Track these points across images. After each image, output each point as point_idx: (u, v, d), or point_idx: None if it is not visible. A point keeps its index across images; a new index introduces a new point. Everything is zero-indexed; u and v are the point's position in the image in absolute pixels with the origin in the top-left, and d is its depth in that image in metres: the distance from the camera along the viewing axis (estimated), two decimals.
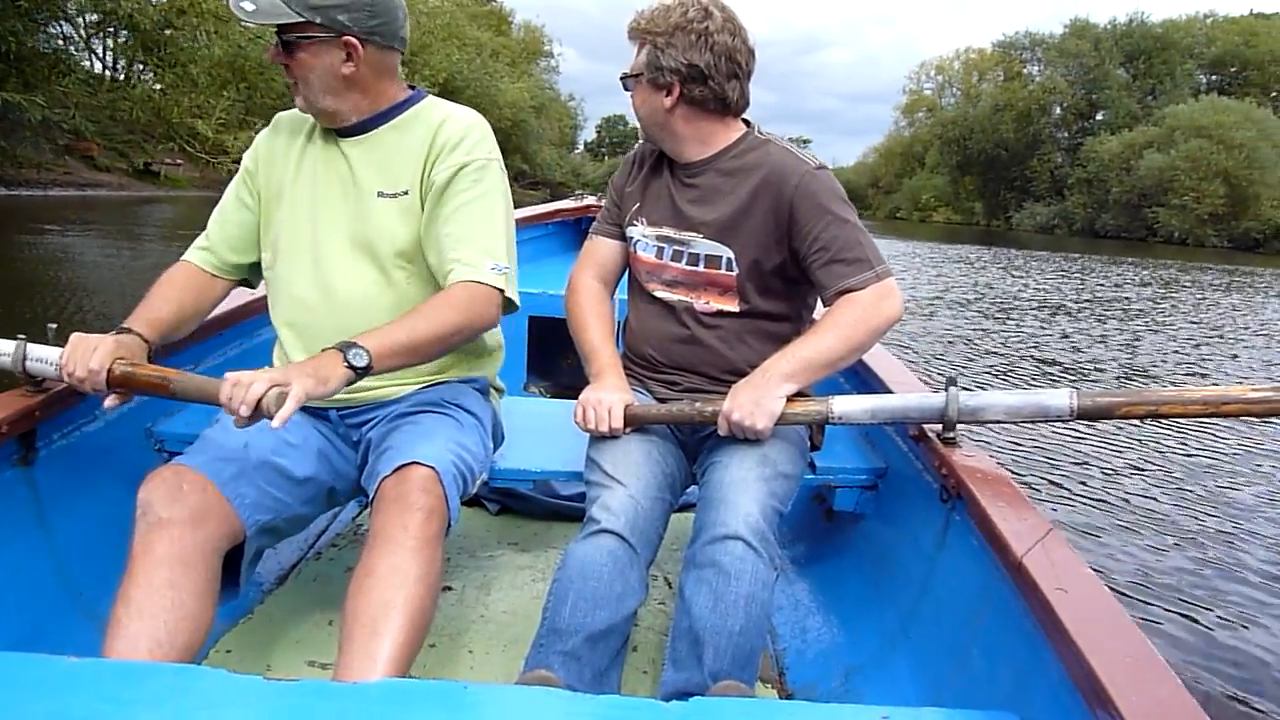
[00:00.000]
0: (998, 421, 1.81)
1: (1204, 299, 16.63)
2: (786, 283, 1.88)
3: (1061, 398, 1.71)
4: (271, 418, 1.41)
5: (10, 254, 10.48)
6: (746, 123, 1.93)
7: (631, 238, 1.98)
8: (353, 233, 1.76)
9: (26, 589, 1.71)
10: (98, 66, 23.57)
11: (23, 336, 1.73)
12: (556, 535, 2.63)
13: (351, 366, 1.52)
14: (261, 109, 19.80)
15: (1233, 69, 65.34)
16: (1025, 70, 72.46)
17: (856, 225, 1.82)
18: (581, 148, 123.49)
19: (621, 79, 1.92)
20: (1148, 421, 5.07)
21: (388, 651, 1.39)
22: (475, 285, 1.69)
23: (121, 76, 24.13)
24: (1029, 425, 4.29)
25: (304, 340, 1.78)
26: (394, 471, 1.58)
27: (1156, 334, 11.21)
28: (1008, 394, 1.79)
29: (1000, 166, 68.28)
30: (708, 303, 1.90)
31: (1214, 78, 65.75)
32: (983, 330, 10.23)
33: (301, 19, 1.64)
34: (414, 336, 1.62)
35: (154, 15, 17.81)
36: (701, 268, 1.88)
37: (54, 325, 1.76)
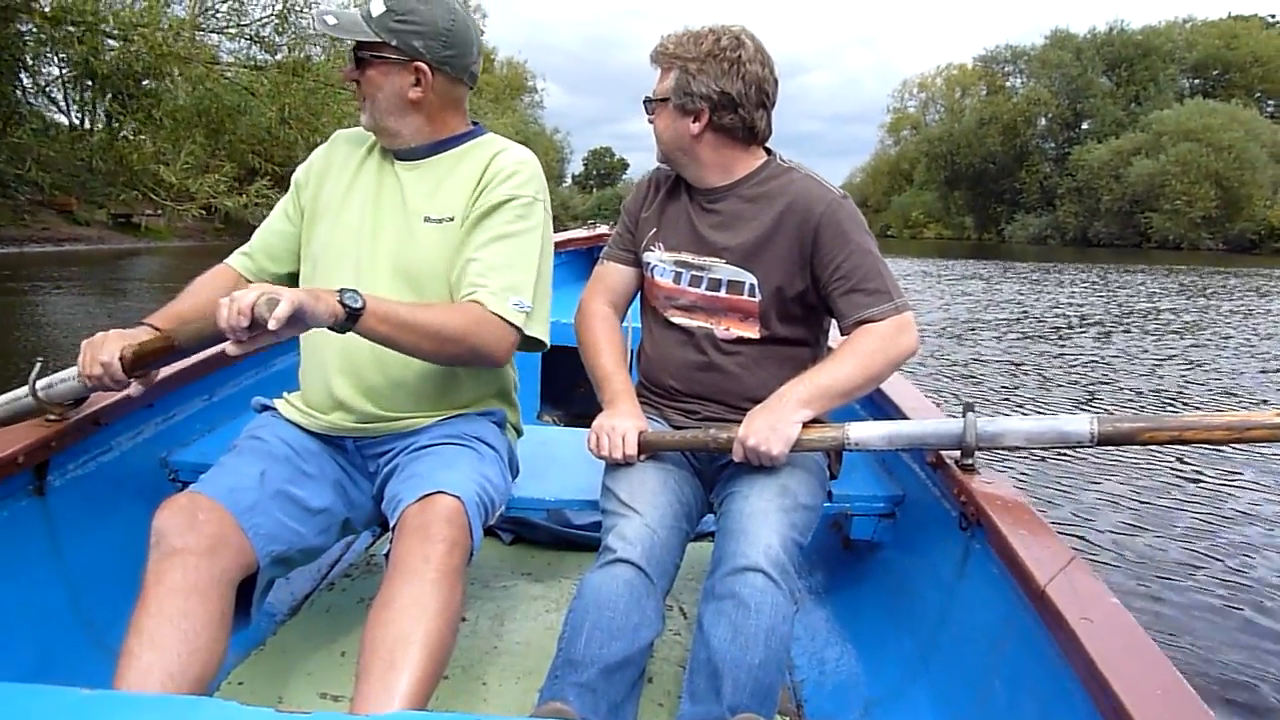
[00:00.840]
0: (1017, 448, 1.80)
1: (1226, 306, 16.13)
2: (806, 309, 1.88)
3: (1082, 424, 1.69)
4: (267, 321, 1.37)
5: None
6: (768, 150, 1.93)
7: (648, 263, 1.97)
8: (396, 254, 1.77)
9: (39, 619, 1.71)
10: (58, 116, 23.14)
11: (38, 359, 1.78)
12: (570, 565, 2.59)
13: (343, 303, 1.48)
14: (233, 152, 19.28)
15: (1215, 72, 65.69)
16: (1008, 83, 72.87)
17: (878, 257, 1.82)
18: (569, 180, 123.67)
19: (645, 102, 1.91)
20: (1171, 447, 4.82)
21: (405, 685, 1.35)
22: (490, 314, 1.68)
23: (84, 124, 23.70)
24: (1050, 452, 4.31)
25: (334, 359, 1.77)
26: (418, 500, 1.56)
27: (1193, 349, 10.73)
28: (1027, 420, 1.77)
29: (989, 180, 68.38)
30: (728, 329, 1.89)
31: (1197, 81, 66.09)
32: (996, 354, 9.80)
33: (378, 39, 1.69)
34: (414, 318, 1.60)
35: (139, 67, 17.31)
36: (723, 293, 1.87)
37: (40, 359, 1.79)
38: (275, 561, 1.63)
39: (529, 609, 2.32)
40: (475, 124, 1.88)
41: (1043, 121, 68.42)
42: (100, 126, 22.22)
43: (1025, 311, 14.38)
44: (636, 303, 2.09)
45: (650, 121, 1.92)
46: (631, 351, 2.05)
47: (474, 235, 1.75)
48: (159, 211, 24.53)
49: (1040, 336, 11.40)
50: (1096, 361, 9.37)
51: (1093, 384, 8.22)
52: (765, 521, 1.63)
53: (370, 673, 1.37)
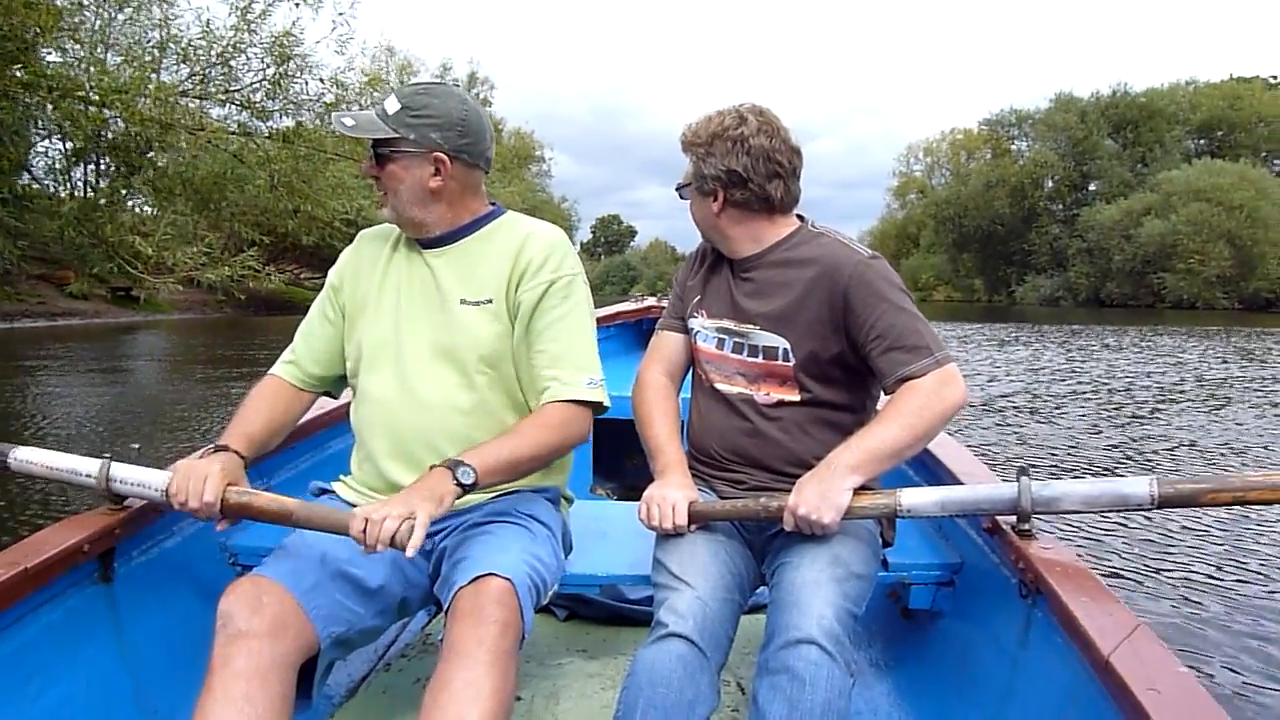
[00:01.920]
0: (1074, 512, 1.77)
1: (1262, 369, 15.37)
2: (846, 371, 1.89)
3: (1141, 485, 1.66)
4: (404, 549, 1.48)
5: None
6: (800, 218, 1.98)
7: (693, 329, 2.03)
8: (436, 339, 1.83)
9: (103, 708, 1.71)
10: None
11: (107, 455, 1.79)
12: (625, 641, 2.57)
13: (460, 484, 1.61)
14: (220, 220, 18.63)
15: (1219, 133, 65.66)
16: (1013, 147, 73.09)
17: (914, 312, 1.82)
18: (578, 248, 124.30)
19: (677, 189, 2.01)
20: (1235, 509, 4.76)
21: None
22: (571, 405, 1.80)
23: (62, 192, 22.89)
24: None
25: (385, 443, 1.84)
26: (470, 583, 1.58)
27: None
28: (1084, 483, 1.75)
29: (997, 241, 68.09)
30: (768, 394, 1.92)
31: (1202, 142, 66.00)
32: (1034, 426, 9.06)
33: (396, 135, 1.77)
34: (515, 455, 1.72)
35: (141, 137, 16.73)
36: (760, 359, 1.91)
37: (136, 445, 1.98)
38: (335, 643, 1.67)
39: (584, 687, 2.28)
40: (494, 204, 1.95)
41: (1050, 183, 68.27)
42: (75, 195, 21.48)
43: (1058, 373, 13.70)
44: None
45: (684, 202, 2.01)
46: (682, 422, 2.07)
47: (531, 327, 1.83)
48: (156, 285, 24.27)
49: (1074, 399, 10.74)
50: (1139, 426, 8.70)
51: (1136, 452, 7.61)
52: (817, 592, 1.62)
53: None
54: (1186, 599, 4.10)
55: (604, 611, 2.69)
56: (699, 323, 2.01)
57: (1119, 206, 57.38)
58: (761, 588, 1.87)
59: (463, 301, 1.83)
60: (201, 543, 2.06)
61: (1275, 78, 70.16)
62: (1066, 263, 61.91)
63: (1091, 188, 66.32)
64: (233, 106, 18.08)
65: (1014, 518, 1.78)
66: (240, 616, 1.52)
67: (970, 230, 69.16)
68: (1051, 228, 66.51)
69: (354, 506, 1.78)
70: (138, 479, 1.75)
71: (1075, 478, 3.82)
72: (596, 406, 1.85)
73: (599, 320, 4.99)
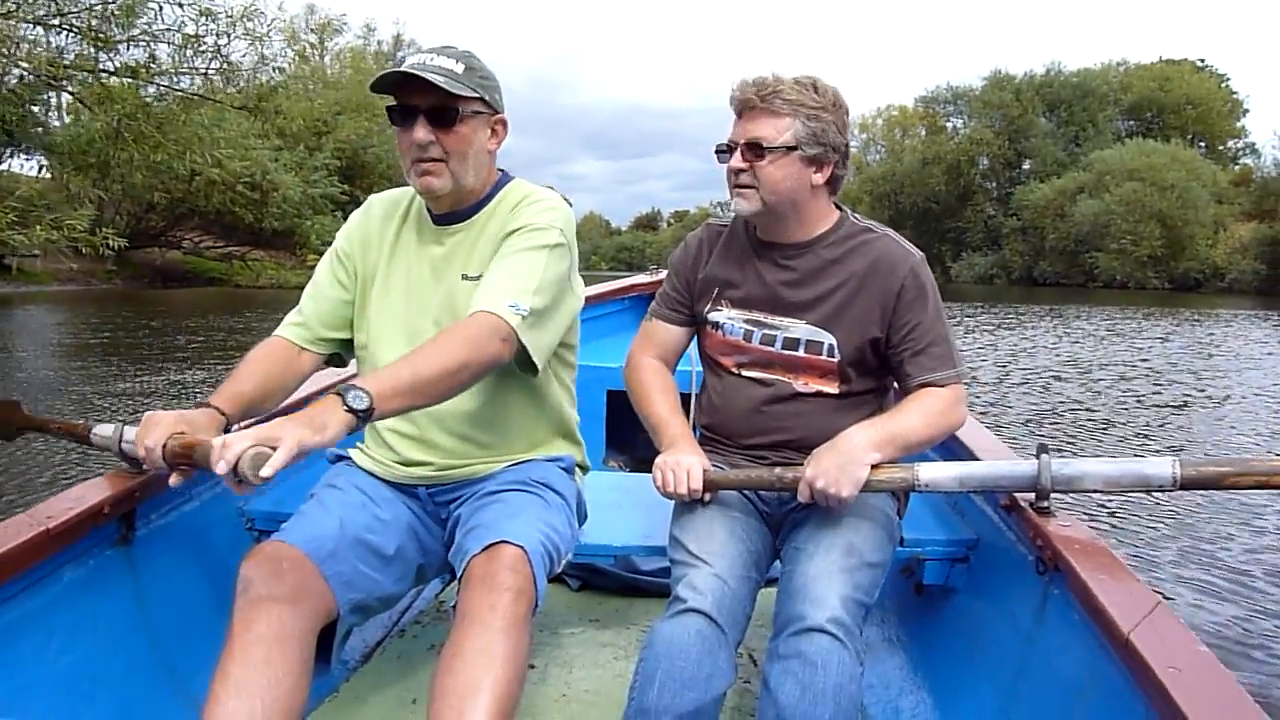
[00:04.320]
0: (1095, 492, 1.76)
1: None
2: (880, 360, 1.88)
3: (1163, 466, 1.66)
4: (249, 479, 1.38)
5: None
6: (838, 206, 1.94)
7: (715, 321, 1.96)
8: (441, 315, 1.81)
9: (124, 666, 1.74)
10: None
11: (121, 421, 1.86)
12: (638, 612, 2.58)
13: (351, 410, 1.49)
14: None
15: (1148, 114, 66.33)
16: (948, 124, 73.06)
17: (947, 323, 1.86)
18: None
19: (749, 147, 1.80)
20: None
21: None
22: (486, 316, 1.67)
23: None
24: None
25: (394, 419, 1.79)
26: (483, 550, 1.58)
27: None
28: (1105, 462, 1.73)
29: (933, 219, 67.93)
30: (806, 384, 1.89)
31: (1132, 123, 66.62)
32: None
33: (476, 94, 1.75)
34: (417, 374, 1.59)
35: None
36: (801, 352, 1.87)
37: (124, 420, 1.91)
38: (354, 609, 1.68)
39: (597, 656, 2.30)
40: (502, 170, 1.92)
41: (985, 161, 68.41)
42: None
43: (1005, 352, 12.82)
44: (692, 350, 2.08)
45: (744, 165, 1.80)
46: (686, 396, 2.08)
47: (489, 262, 1.79)
48: (35, 253, 21.79)
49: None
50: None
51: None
52: (830, 584, 1.61)
53: None
54: (1205, 578, 4.06)
55: (617, 582, 2.69)
56: (722, 314, 1.95)
57: (1053, 185, 57.51)
58: (778, 561, 1.85)
59: (464, 277, 1.82)
60: (220, 507, 2.08)
61: (1203, 61, 71.06)
62: (1001, 241, 62.05)
63: (1026, 166, 66.63)
64: (68, 35, 15.09)
65: (1032, 495, 1.78)
66: (261, 582, 1.53)
67: (906, 208, 68.82)
68: (986, 206, 66.78)
69: (371, 475, 1.88)
70: (129, 438, 1.77)
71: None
72: (527, 364, 1.75)
73: (612, 294, 4.52)
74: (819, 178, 1.81)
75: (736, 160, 1.81)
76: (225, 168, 21.40)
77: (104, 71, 14.66)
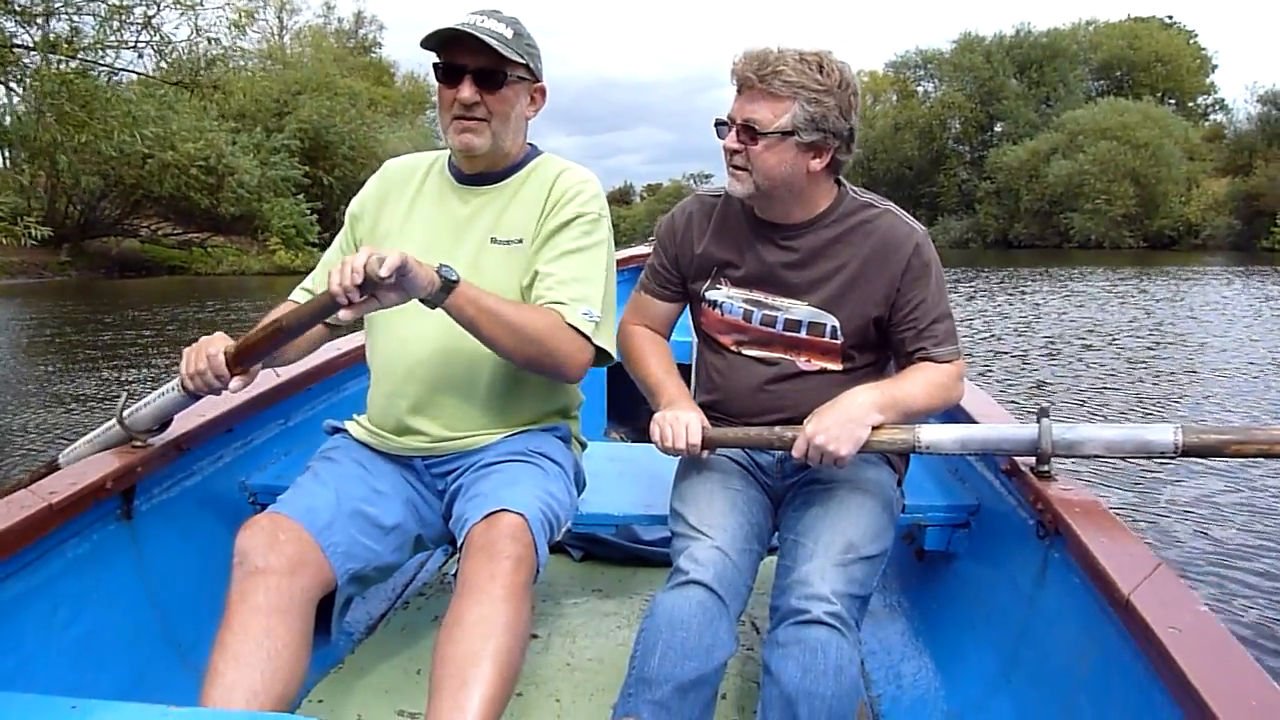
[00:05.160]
0: (1095, 456, 1.77)
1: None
2: (882, 334, 1.87)
3: (1165, 433, 1.67)
4: (379, 275, 1.44)
5: None
6: (838, 181, 1.89)
7: (713, 300, 1.92)
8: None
9: (129, 639, 1.78)
10: None
11: (122, 394, 1.91)
12: (640, 581, 2.60)
13: (441, 275, 1.56)
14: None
15: (1118, 73, 66.05)
16: (919, 89, 72.51)
17: (948, 300, 1.86)
18: None
19: (742, 127, 1.74)
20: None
21: (477, 702, 1.38)
22: (566, 324, 1.73)
23: None
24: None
25: (402, 381, 1.83)
26: (483, 519, 1.59)
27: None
28: (1106, 427, 1.75)
29: (907, 185, 67.43)
30: (809, 361, 1.87)
31: (1102, 82, 66.33)
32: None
33: (522, 60, 1.79)
34: (500, 308, 1.66)
35: None
36: (803, 334, 1.85)
37: (126, 391, 2.09)
38: (352, 579, 1.69)
39: (600, 625, 2.32)
40: (532, 145, 1.94)
41: (956, 125, 67.90)
42: None
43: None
44: (685, 321, 2.06)
45: (738, 146, 1.76)
46: (685, 367, 2.05)
47: (543, 251, 1.81)
48: None
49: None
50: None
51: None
52: (826, 580, 1.59)
53: (442, 690, 1.40)
54: (1206, 539, 4.07)
55: (619, 552, 2.71)
56: (721, 293, 1.91)
57: (1025, 147, 57.11)
58: (779, 531, 1.85)
59: (493, 240, 1.83)
60: (220, 481, 2.11)
61: (1171, 18, 70.83)
62: (975, 205, 61.64)
63: (998, 129, 66.10)
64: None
65: (1033, 460, 1.78)
66: (257, 553, 1.54)
67: (879, 173, 68.20)
68: (960, 170, 66.33)
69: (366, 446, 1.89)
70: (146, 400, 1.81)
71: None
72: (601, 355, 1.81)
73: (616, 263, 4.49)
74: (817, 164, 1.75)
75: (731, 140, 1.75)
76: (179, 150, 20.50)
77: (20, 47, 13.66)
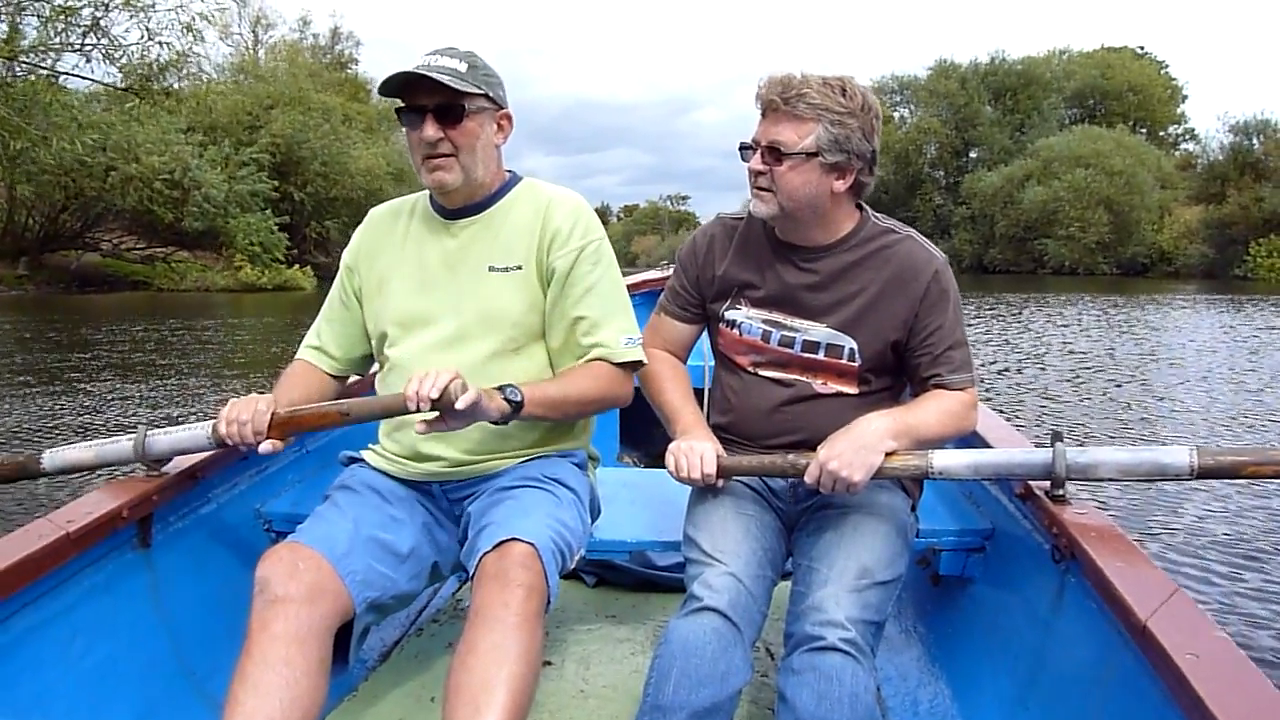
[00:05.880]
0: (1110, 480, 1.75)
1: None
2: (898, 360, 1.89)
3: (1180, 455, 1.65)
4: (455, 402, 1.55)
5: None
6: (859, 206, 1.91)
7: (732, 320, 1.95)
8: (464, 307, 1.87)
9: (144, 668, 1.77)
10: None
11: (143, 424, 1.99)
12: (654, 607, 2.59)
13: (508, 400, 1.68)
14: None
15: (1091, 101, 66.94)
16: (895, 114, 73.02)
17: (964, 329, 1.86)
18: None
19: (784, 152, 1.75)
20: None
21: None
22: (615, 367, 1.86)
23: None
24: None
25: (418, 415, 1.84)
26: (494, 547, 1.61)
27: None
28: (1121, 450, 1.72)
29: (883, 210, 64.60)
30: (825, 383, 1.88)
31: (1076, 110, 67.10)
32: None
33: (480, 91, 1.83)
34: (563, 394, 1.80)
35: None
36: (821, 355, 1.86)
37: (144, 422, 3.06)
38: (370, 608, 1.70)
39: (614, 652, 2.31)
40: (511, 171, 1.99)
41: (933, 150, 68.33)
42: None
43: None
44: (703, 344, 2.07)
45: (763, 168, 1.78)
46: (700, 391, 2.09)
47: (566, 294, 1.87)
48: None
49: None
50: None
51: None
52: (839, 605, 1.59)
53: (456, 717, 1.41)
54: (1222, 565, 4.01)
55: (633, 578, 2.69)
56: (741, 314, 1.93)
57: (1000, 173, 57.55)
58: (793, 556, 1.85)
59: (491, 269, 1.86)
60: (237, 509, 2.12)
61: (1143, 48, 72.08)
62: (951, 230, 61.95)
63: (973, 155, 66.65)
64: None
65: (1048, 484, 1.77)
66: (278, 582, 1.55)
67: None
68: (935, 195, 66.58)
69: (385, 475, 1.91)
70: (177, 437, 1.83)
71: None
72: (637, 365, 1.90)
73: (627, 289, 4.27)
74: (840, 185, 1.78)
75: (756, 162, 1.79)
76: (143, 163, 19.86)
77: None
